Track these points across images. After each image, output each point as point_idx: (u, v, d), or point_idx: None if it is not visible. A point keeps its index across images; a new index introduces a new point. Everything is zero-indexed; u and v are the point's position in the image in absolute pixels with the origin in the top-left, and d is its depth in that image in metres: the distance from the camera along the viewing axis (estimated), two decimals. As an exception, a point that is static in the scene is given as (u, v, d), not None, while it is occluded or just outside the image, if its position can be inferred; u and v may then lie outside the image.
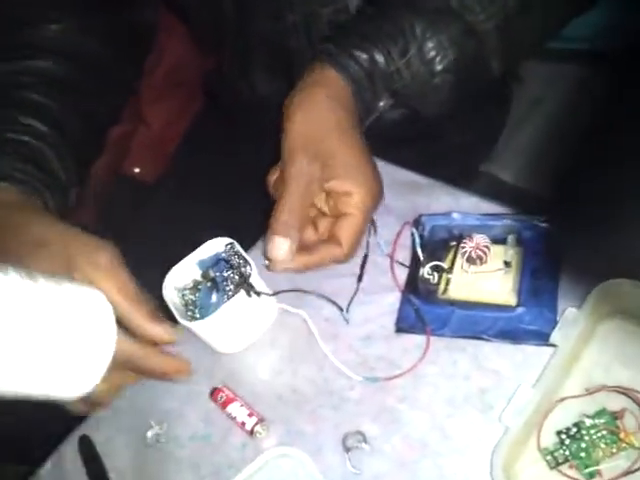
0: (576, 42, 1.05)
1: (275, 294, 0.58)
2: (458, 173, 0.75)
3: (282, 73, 0.76)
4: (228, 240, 0.59)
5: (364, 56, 0.58)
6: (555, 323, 0.50)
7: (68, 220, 0.57)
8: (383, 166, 0.70)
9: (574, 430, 0.44)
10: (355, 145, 0.57)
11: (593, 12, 0.67)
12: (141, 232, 0.88)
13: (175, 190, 0.92)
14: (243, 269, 0.57)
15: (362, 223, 0.57)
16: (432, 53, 0.58)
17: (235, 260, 0.58)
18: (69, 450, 0.59)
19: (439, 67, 0.58)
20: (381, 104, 0.60)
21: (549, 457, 0.43)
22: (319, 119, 0.56)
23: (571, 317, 0.48)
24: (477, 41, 0.59)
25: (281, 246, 0.55)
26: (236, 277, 0.57)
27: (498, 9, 0.57)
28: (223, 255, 0.58)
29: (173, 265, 0.59)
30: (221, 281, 0.58)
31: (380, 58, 0.58)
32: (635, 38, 0.84)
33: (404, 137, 0.81)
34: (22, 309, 0.38)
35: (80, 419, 0.60)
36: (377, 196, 0.58)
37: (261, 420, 0.53)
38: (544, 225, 0.56)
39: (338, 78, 0.58)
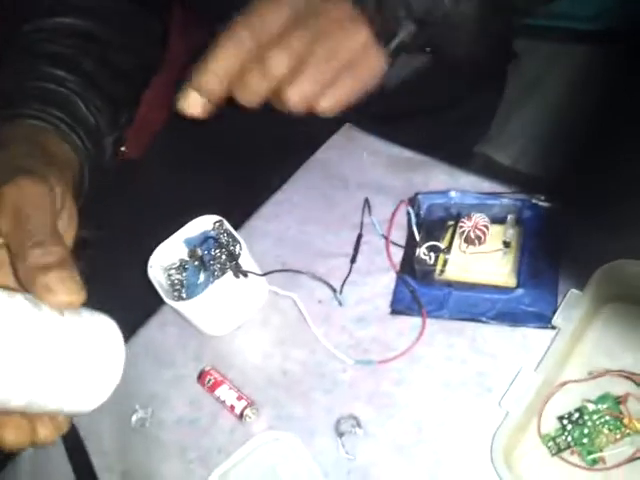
0: (578, 21, 1.03)
1: (265, 274, 0.56)
2: (452, 154, 0.73)
3: None
4: (217, 218, 0.57)
5: None
6: (556, 305, 0.48)
7: None
8: (380, 143, 0.68)
9: (576, 415, 0.42)
10: None
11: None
12: (125, 209, 0.85)
13: (160, 167, 0.89)
14: (232, 248, 0.55)
15: None
16: None
17: (224, 238, 0.55)
18: (50, 434, 0.56)
19: None
20: (404, 30, 0.55)
21: (550, 443, 0.42)
22: None
23: (574, 299, 0.46)
24: None
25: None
26: (224, 256, 0.55)
27: None
28: (211, 233, 0.56)
29: (159, 244, 0.57)
30: (209, 260, 0.55)
31: None
32: (638, 18, 0.82)
33: (399, 113, 0.79)
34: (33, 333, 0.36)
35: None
36: None
37: (251, 403, 0.51)
38: (545, 205, 0.54)
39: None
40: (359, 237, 0.60)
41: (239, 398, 0.52)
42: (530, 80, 0.96)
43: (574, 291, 0.46)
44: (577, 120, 0.82)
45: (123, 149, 1.03)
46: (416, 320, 0.53)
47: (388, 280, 0.57)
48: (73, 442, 0.55)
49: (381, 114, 0.77)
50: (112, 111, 0.62)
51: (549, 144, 0.87)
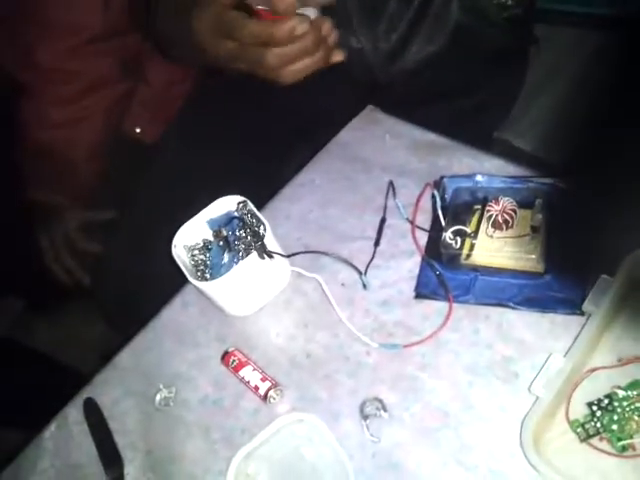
0: (594, 6, 1.02)
1: (290, 256, 0.55)
2: (472, 139, 0.73)
3: None
4: (240, 198, 0.57)
5: None
6: (584, 291, 0.48)
7: None
8: (402, 126, 0.67)
9: (606, 402, 0.42)
10: None
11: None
12: (148, 192, 0.85)
13: (178, 150, 0.89)
14: (257, 229, 0.54)
15: None
16: None
17: (248, 219, 0.55)
18: (74, 413, 0.57)
19: None
20: None
21: (579, 429, 0.42)
22: None
23: (604, 285, 0.45)
24: None
25: None
26: (249, 237, 0.54)
27: None
28: (235, 213, 0.56)
29: (181, 225, 0.56)
30: (233, 240, 0.55)
31: None
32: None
33: (417, 97, 0.78)
34: None
35: (85, 381, 0.58)
36: None
37: (275, 385, 0.51)
38: (573, 189, 0.53)
39: None
40: (383, 220, 0.59)
41: (263, 379, 0.52)
42: (549, 66, 0.94)
43: (605, 277, 0.46)
44: (597, 106, 0.81)
45: (138, 130, 1.03)
46: (441, 305, 0.53)
47: (412, 264, 0.56)
48: (96, 420, 0.55)
49: (398, 98, 0.76)
50: None
51: (570, 130, 0.86)
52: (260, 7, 0.53)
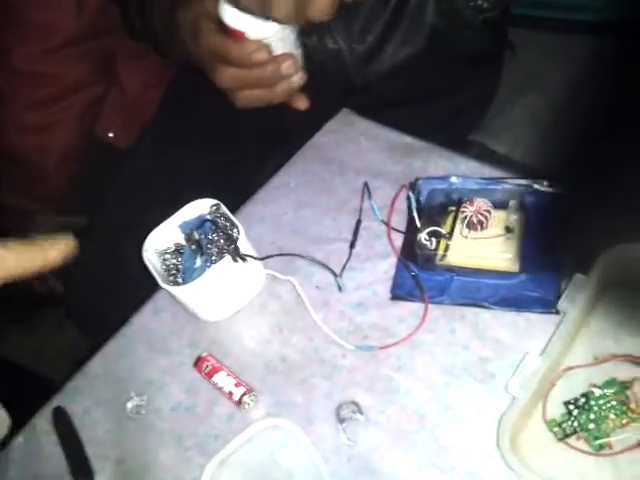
0: (583, 12, 1.03)
1: (264, 258, 0.54)
2: (447, 142, 0.73)
3: None
4: (214, 201, 0.56)
5: None
6: (559, 290, 0.48)
7: None
8: (378, 129, 0.67)
9: (582, 400, 0.42)
10: None
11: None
12: (117, 198, 0.84)
13: (152, 155, 0.88)
14: (230, 232, 0.53)
15: None
16: None
17: (221, 222, 0.54)
18: (42, 423, 0.55)
19: None
20: None
21: (556, 429, 0.42)
22: None
23: (579, 283, 0.45)
24: None
25: None
26: (222, 240, 0.54)
27: None
28: (208, 216, 0.55)
29: (153, 230, 0.55)
30: (206, 244, 0.54)
31: None
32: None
33: (392, 100, 0.78)
34: None
35: (55, 390, 0.57)
36: None
37: (249, 390, 0.50)
38: (547, 190, 0.53)
39: None
40: (358, 222, 0.59)
41: (237, 384, 0.51)
42: (526, 70, 0.95)
43: (579, 275, 0.46)
44: (574, 109, 0.81)
45: (111, 135, 1.02)
46: (416, 306, 0.52)
47: (387, 266, 0.56)
48: (66, 430, 0.53)
49: (373, 101, 0.76)
50: None
51: (546, 133, 0.87)
52: (235, 27, 0.52)
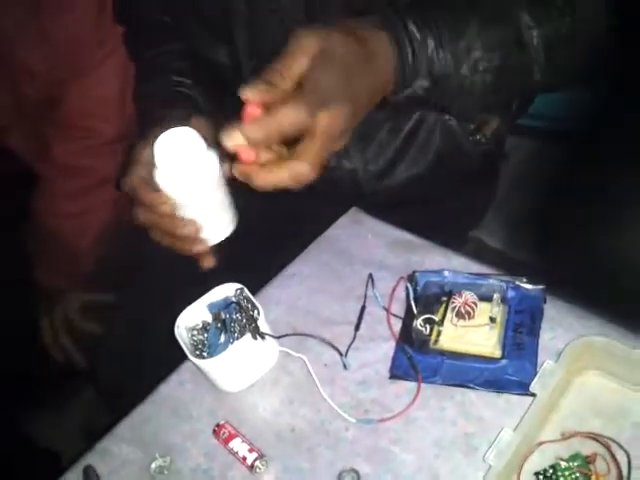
0: (557, 122, 1.15)
1: (280, 337, 0.62)
2: (449, 237, 0.81)
3: None
4: (238, 285, 0.64)
5: (417, 35, 0.58)
6: (535, 374, 0.55)
7: None
8: (382, 226, 0.76)
9: (550, 472, 0.48)
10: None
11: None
12: (144, 276, 0.92)
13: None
14: (251, 313, 0.62)
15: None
16: (478, 53, 0.59)
17: (244, 304, 0.62)
18: (73, 479, 0.61)
19: (481, 67, 0.59)
20: (419, 83, 0.60)
21: (528, 496, 0.48)
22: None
23: (549, 369, 0.53)
24: (524, 51, 0.60)
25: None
26: (244, 320, 0.62)
27: (552, 27, 0.61)
28: (233, 299, 0.63)
29: (178, 308, 0.64)
30: (230, 323, 0.62)
31: (431, 42, 0.58)
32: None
33: (404, 201, 0.87)
34: None
35: (85, 449, 0.63)
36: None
37: (261, 456, 0.57)
38: (526, 286, 0.62)
39: (387, 41, 0.57)
40: (363, 308, 0.67)
41: (250, 450, 0.57)
42: (516, 175, 1.06)
43: (549, 362, 0.53)
44: (557, 213, 0.91)
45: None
46: (412, 385, 0.59)
47: (388, 348, 0.63)
48: (95, 486, 0.59)
49: (385, 202, 0.85)
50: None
51: (533, 234, 0.96)
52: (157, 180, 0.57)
